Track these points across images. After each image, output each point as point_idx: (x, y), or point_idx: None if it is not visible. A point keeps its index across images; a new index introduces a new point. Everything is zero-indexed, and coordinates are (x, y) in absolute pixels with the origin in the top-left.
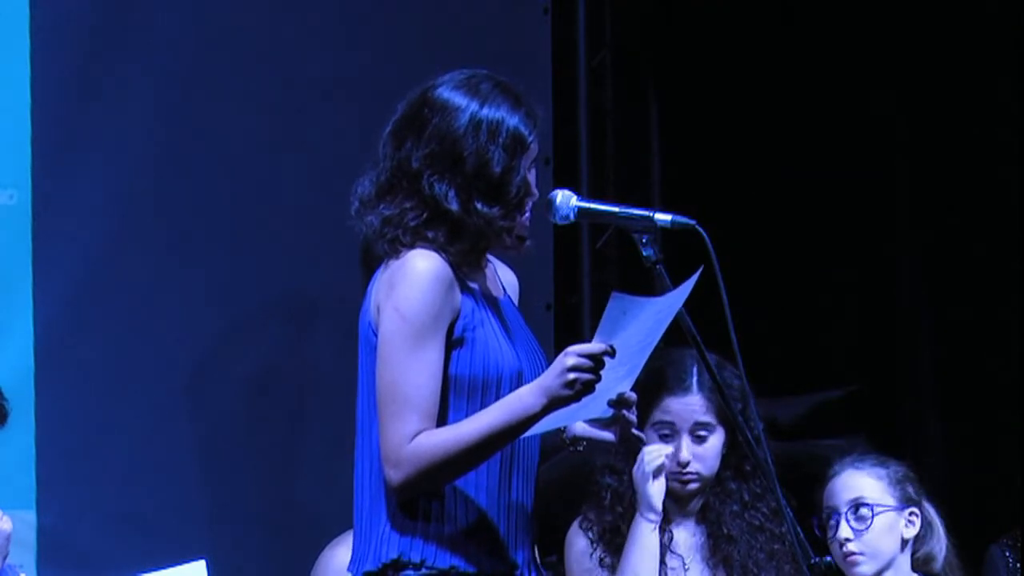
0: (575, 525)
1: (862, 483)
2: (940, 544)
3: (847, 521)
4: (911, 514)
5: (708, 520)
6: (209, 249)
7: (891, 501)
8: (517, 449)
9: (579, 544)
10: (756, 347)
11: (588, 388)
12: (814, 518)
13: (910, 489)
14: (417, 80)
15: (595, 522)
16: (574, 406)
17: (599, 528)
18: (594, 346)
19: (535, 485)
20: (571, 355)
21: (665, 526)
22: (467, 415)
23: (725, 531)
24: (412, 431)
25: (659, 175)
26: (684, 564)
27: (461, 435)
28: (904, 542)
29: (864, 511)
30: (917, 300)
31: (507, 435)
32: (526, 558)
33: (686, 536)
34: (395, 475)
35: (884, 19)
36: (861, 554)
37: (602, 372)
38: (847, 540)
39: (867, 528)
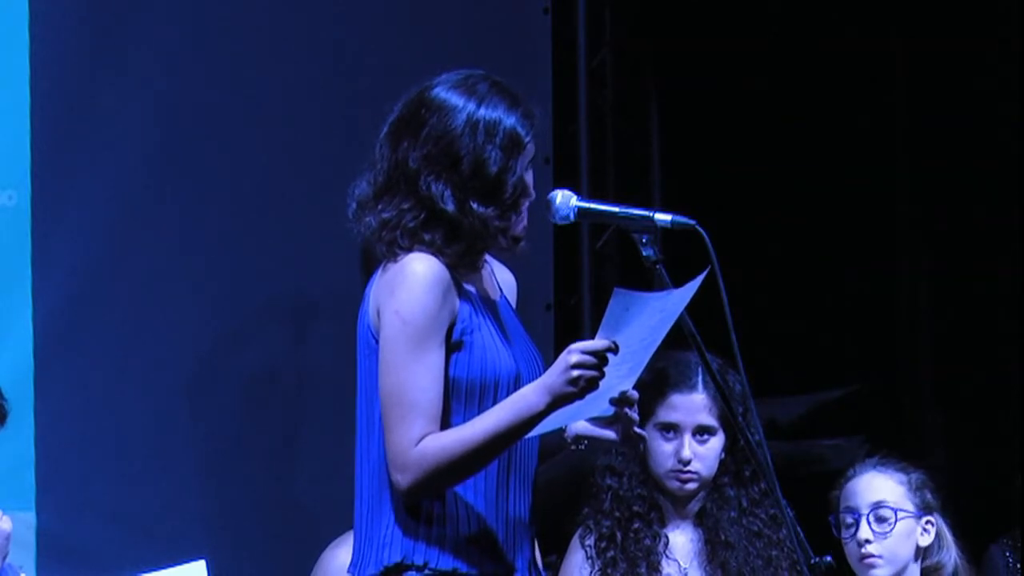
0: (576, 535)
1: (884, 486)
2: (949, 554)
3: (868, 523)
4: (927, 522)
5: (706, 525)
6: (209, 249)
7: (910, 507)
8: (515, 451)
9: (576, 557)
10: (756, 347)
11: (592, 385)
12: (831, 516)
13: (928, 496)
14: (417, 80)
15: (593, 529)
16: (577, 404)
17: (596, 536)
18: (597, 343)
19: (533, 486)
20: (574, 352)
21: (661, 530)
22: (465, 418)
23: (723, 537)
24: (418, 435)
25: (659, 175)
26: (681, 569)
27: (466, 437)
28: (919, 550)
29: (887, 514)
30: (917, 300)
31: (512, 435)
32: (526, 560)
33: (683, 541)
34: (402, 479)
35: (885, 19)
36: (880, 557)
37: (605, 369)
38: (867, 542)
39: (889, 532)
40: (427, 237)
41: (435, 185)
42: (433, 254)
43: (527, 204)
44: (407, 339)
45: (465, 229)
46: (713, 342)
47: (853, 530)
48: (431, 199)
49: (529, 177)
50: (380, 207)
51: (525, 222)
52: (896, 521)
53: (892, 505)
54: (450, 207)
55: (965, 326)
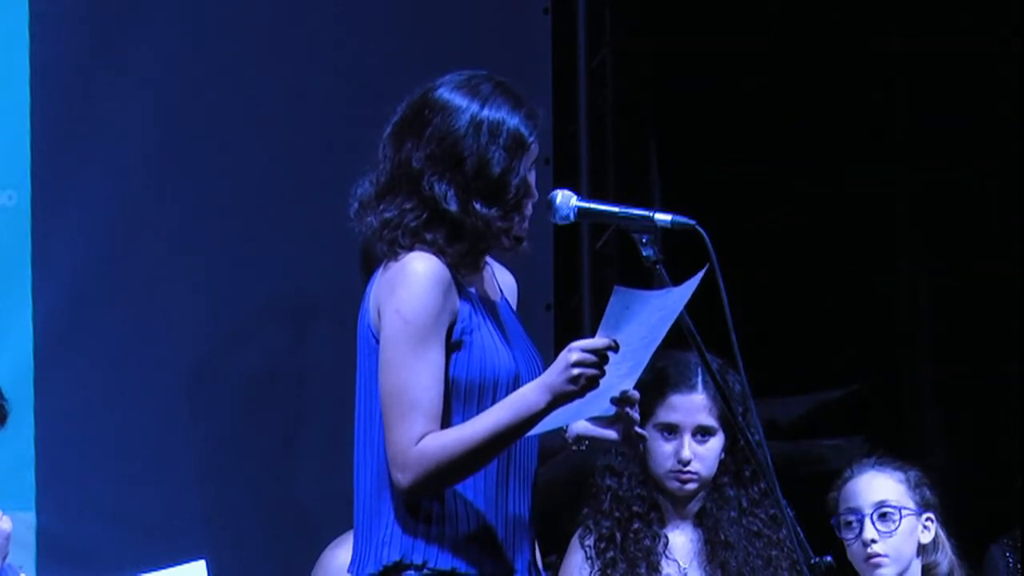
0: (576, 536)
1: (885, 485)
2: (945, 554)
3: (872, 523)
4: (927, 519)
5: (705, 525)
6: (209, 249)
7: (911, 504)
8: (514, 451)
9: (576, 557)
10: (756, 347)
11: (592, 383)
12: (833, 519)
13: (927, 493)
14: (417, 80)
15: (593, 530)
16: (577, 403)
17: (596, 536)
18: (597, 341)
19: (533, 486)
20: (574, 350)
21: (661, 530)
22: (464, 418)
23: (722, 537)
24: (418, 433)
25: (659, 175)
26: (680, 569)
27: (467, 435)
28: (920, 547)
29: (891, 513)
30: (917, 300)
31: (512, 434)
32: (526, 560)
33: (683, 541)
34: (403, 478)
35: (885, 19)
36: (886, 556)
37: (605, 368)
38: (872, 541)
39: (894, 531)
40: (429, 237)
41: (438, 185)
42: (434, 254)
43: (530, 204)
44: (408, 338)
45: (468, 229)
46: (713, 342)
47: (857, 530)
48: (434, 199)
49: (532, 177)
50: (382, 207)
51: (527, 222)
52: (901, 519)
53: (895, 504)
54: (453, 207)
55: (965, 326)
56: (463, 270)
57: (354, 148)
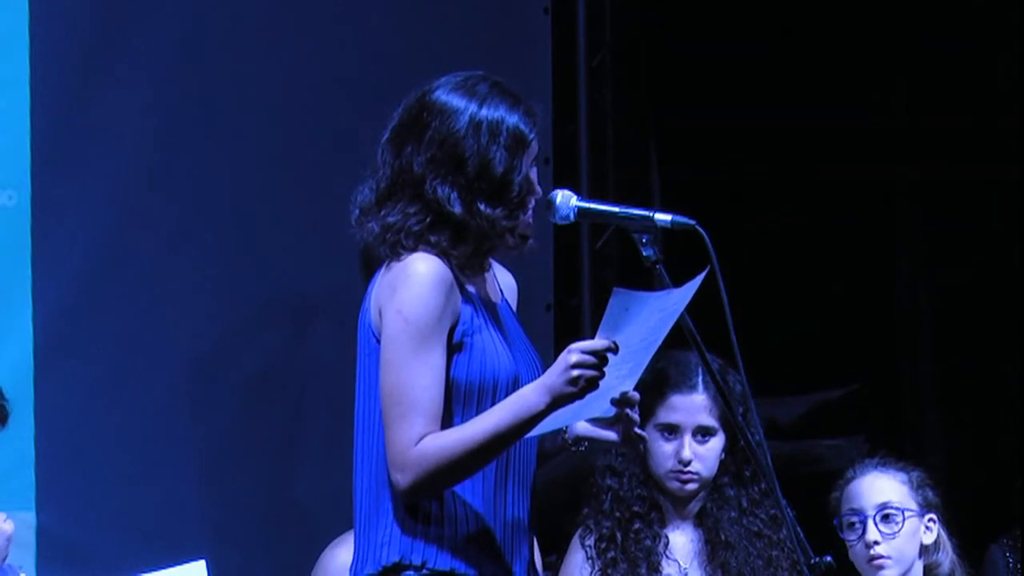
0: (577, 535)
1: (888, 486)
2: (946, 554)
3: (875, 524)
4: (929, 519)
5: (706, 526)
6: (209, 249)
7: (914, 506)
8: (513, 453)
9: (576, 557)
10: (756, 347)
11: (592, 385)
12: (836, 519)
13: (929, 494)
14: (417, 80)
15: (594, 530)
16: (577, 404)
17: (596, 536)
18: (597, 343)
19: (531, 488)
20: (574, 352)
21: (662, 530)
22: (464, 420)
23: (723, 537)
24: (418, 434)
25: (659, 175)
26: (681, 569)
27: (466, 436)
28: (922, 547)
29: (893, 514)
30: (917, 300)
31: (512, 435)
32: (524, 561)
33: (683, 541)
34: (402, 479)
35: (885, 19)
36: (888, 558)
37: (605, 369)
38: (875, 543)
39: (897, 532)
40: (432, 239)
41: (441, 188)
42: (437, 255)
43: (533, 202)
44: (409, 338)
45: (472, 230)
46: (713, 342)
47: (860, 531)
48: (437, 202)
49: (534, 174)
50: (384, 212)
51: (531, 220)
52: (903, 521)
53: (898, 505)
54: (457, 209)
55: (965, 326)
56: (467, 272)
57: (354, 148)
